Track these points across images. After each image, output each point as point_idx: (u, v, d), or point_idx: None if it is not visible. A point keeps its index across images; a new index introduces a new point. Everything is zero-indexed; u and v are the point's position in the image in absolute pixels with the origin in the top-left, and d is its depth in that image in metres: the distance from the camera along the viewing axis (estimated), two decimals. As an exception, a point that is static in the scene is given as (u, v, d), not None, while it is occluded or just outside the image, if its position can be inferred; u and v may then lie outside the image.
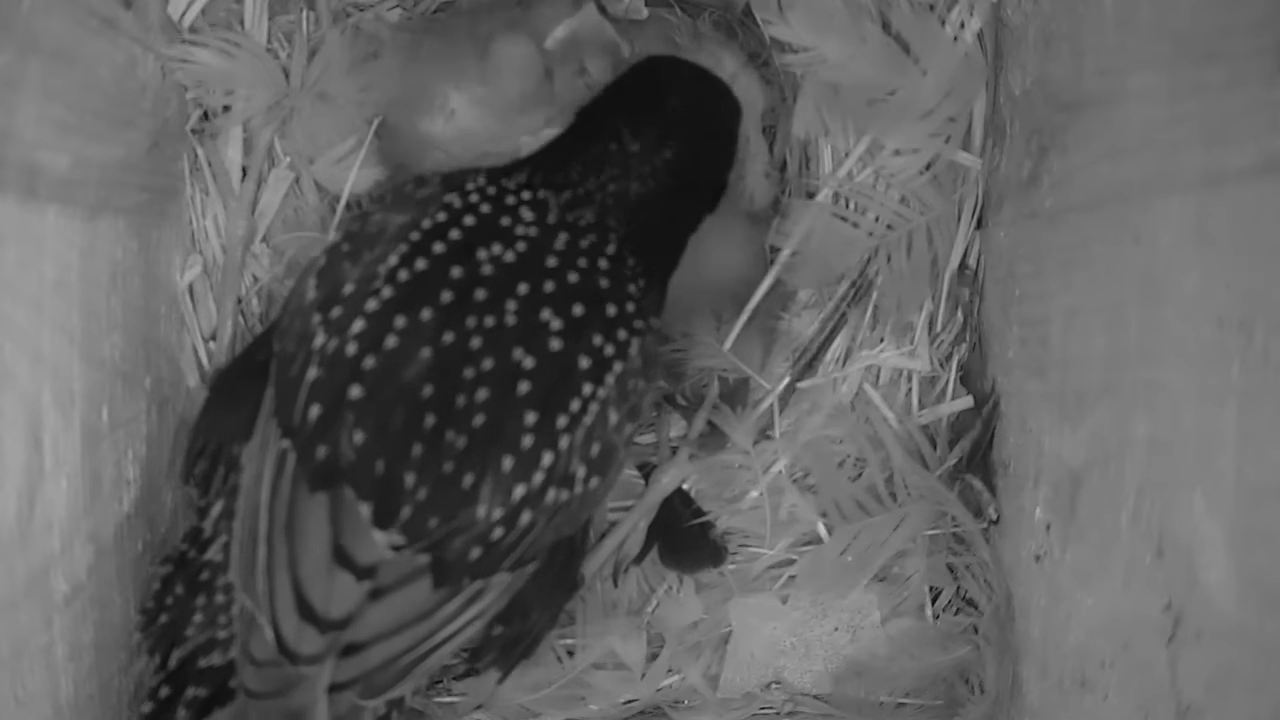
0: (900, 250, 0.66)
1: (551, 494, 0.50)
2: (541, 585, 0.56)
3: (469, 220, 0.52)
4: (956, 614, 0.67)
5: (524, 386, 0.49)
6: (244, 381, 0.56)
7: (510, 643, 0.58)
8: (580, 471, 0.51)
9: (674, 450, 0.68)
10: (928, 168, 0.66)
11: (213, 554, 0.55)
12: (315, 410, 0.49)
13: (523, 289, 0.50)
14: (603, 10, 0.65)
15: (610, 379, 0.51)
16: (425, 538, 0.49)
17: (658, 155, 0.56)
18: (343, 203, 0.67)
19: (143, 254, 0.61)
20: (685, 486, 0.69)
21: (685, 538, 0.68)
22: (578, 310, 0.51)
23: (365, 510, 0.48)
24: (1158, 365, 0.47)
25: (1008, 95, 0.64)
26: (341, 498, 0.48)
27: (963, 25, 0.64)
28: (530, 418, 0.49)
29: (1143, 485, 0.48)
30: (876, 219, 0.66)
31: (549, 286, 0.51)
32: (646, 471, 0.70)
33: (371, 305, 0.49)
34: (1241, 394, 0.41)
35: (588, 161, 0.56)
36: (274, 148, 0.68)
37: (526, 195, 0.54)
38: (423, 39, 0.66)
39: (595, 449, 0.51)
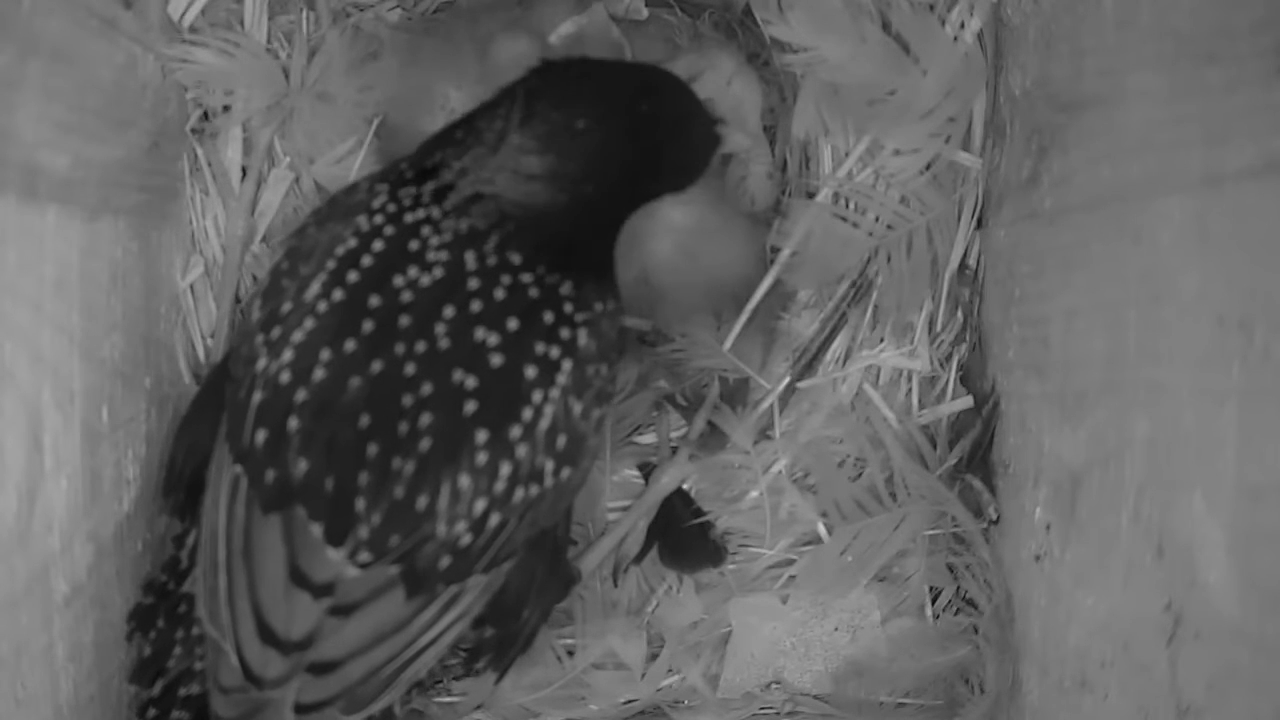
0: (900, 250, 0.66)
1: (520, 493, 0.50)
2: (529, 582, 0.56)
3: (378, 245, 0.50)
4: (956, 614, 0.67)
5: (470, 406, 0.48)
6: (211, 408, 0.55)
7: (503, 643, 0.58)
8: (549, 465, 0.50)
9: (674, 450, 0.68)
10: (928, 168, 0.66)
11: (189, 586, 0.55)
12: (262, 435, 0.49)
13: (448, 311, 0.49)
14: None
15: (561, 378, 0.50)
16: (389, 554, 0.49)
17: (531, 143, 0.51)
18: (343, 203, 0.67)
19: (143, 254, 0.61)
20: (685, 486, 0.69)
21: (685, 538, 0.68)
22: (513, 325, 0.49)
23: (317, 529, 0.48)
24: (1158, 365, 0.47)
25: (1008, 95, 0.64)
26: (294, 518, 0.48)
27: (963, 25, 0.64)
28: (482, 435, 0.48)
29: (1143, 485, 0.48)
30: (876, 219, 0.66)
31: (476, 306, 0.49)
32: (646, 471, 0.70)
33: (298, 336, 0.49)
34: (1241, 394, 0.41)
35: (455, 153, 0.52)
36: (274, 148, 0.68)
37: (421, 214, 0.51)
38: (423, 39, 0.66)
39: (562, 440, 0.50)
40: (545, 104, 0.52)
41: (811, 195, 0.67)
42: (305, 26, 0.67)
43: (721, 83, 0.67)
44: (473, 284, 0.49)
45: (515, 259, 0.50)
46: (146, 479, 0.60)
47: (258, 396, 0.49)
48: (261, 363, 0.49)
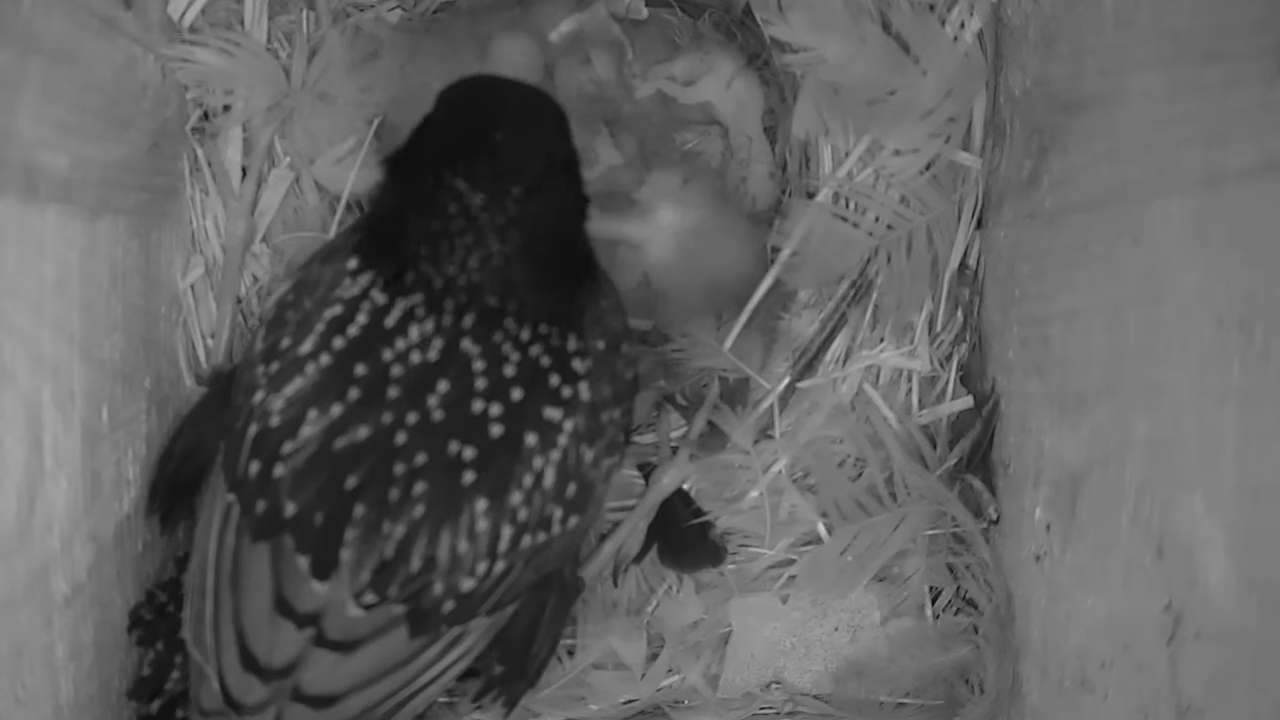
0: (900, 250, 0.66)
1: (527, 540, 0.50)
2: (537, 620, 0.56)
3: (361, 318, 0.49)
4: (956, 614, 0.67)
5: (469, 477, 0.48)
6: (206, 420, 0.56)
7: (512, 678, 0.58)
8: (557, 513, 0.50)
9: (674, 450, 0.68)
10: (928, 168, 0.66)
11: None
12: (255, 466, 0.49)
13: (442, 386, 0.48)
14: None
15: (563, 438, 0.50)
16: (390, 599, 0.49)
17: (507, 205, 0.47)
18: (343, 203, 0.67)
19: (143, 254, 0.61)
20: (685, 486, 0.69)
21: (685, 538, 0.68)
22: (517, 395, 0.49)
23: (303, 562, 0.48)
24: (1158, 365, 0.47)
25: (1008, 95, 0.64)
26: (282, 548, 0.49)
27: (963, 25, 0.64)
28: (481, 504, 0.48)
29: (1143, 485, 0.48)
30: (876, 219, 0.66)
31: (480, 384, 0.48)
32: (646, 471, 0.69)
33: (289, 389, 0.49)
34: (1241, 394, 0.41)
35: (429, 245, 0.48)
36: (274, 148, 0.68)
37: (401, 308, 0.48)
38: (423, 39, 0.66)
39: (571, 489, 0.50)
40: (481, 187, 0.47)
41: (811, 195, 0.67)
42: (305, 26, 0.67)
43: (722, 84, 0.67)
44: (478, 365, 0.48)
45: (524, 332, 0.49)
46: (146, 479, 0.60)
47: (253, 429, 0.49)
48: (259, 395, 0.49)
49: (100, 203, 0.56)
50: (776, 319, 0.69)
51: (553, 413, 0.49)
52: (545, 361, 0.49)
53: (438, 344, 0.48)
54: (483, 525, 0.48)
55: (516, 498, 0.49)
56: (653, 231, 0.64)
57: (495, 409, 0.48)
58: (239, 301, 0.67)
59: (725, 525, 0.69)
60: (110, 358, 0.57)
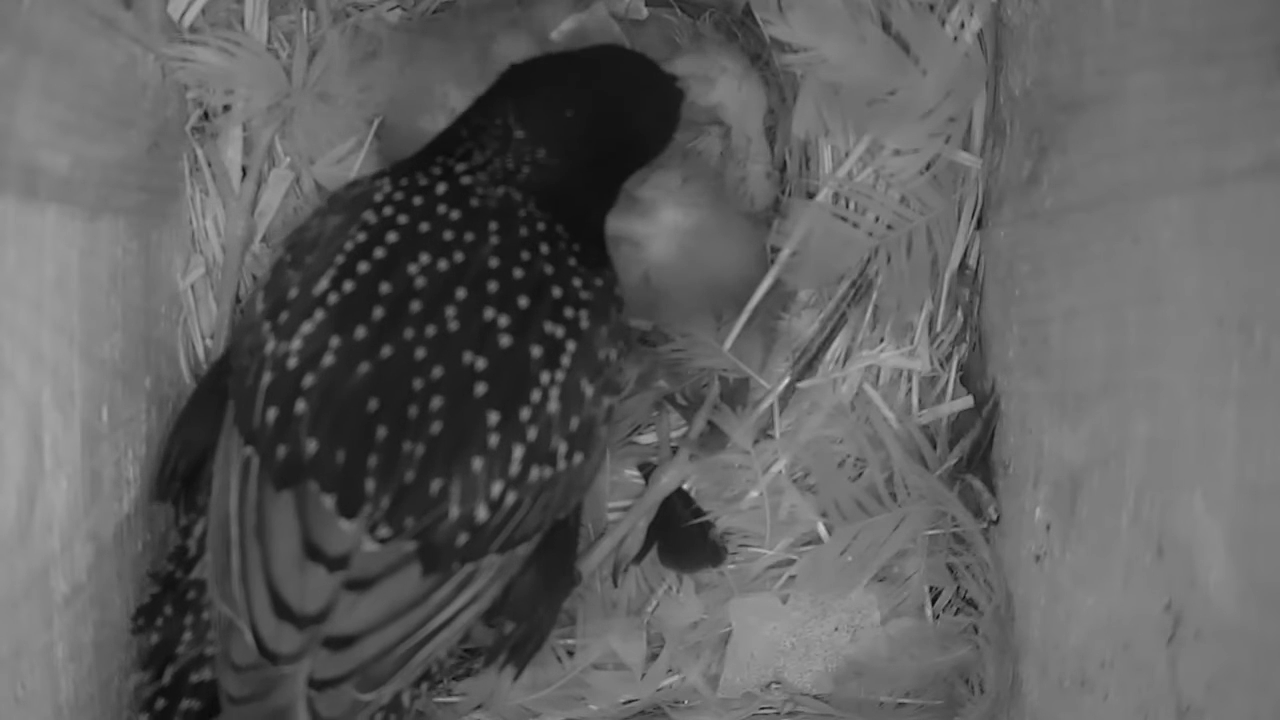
0: (900, 250, 0.66)
1: (535, 472, 0.50)
2: (543, 577, 0.56)
3: (391, 236, 0.51)
4: (956, 614, 0.67)
5: (481, 388, 0.49)
6: (208, 406, 0.56)
7: (521, 640, 0.58)
8: (562, 447, 0.51)
9: (674, 450, 0.68)
10: (928, 168, 0.66)
11: (198, 572, 0.55)
12: (272, 413, 0.49)
13: (460, 293, 0.50)
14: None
15: (566, 359, 0.51)
16: (406, 531, 0.49)
17: (534, 135, 0.55)
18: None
19: (143, 254, 0.61)
20: (685, 486, 0.69)
21: (685, 538, 0.68)
22: (523, 302, 0.50)
23: (330, 501, 0.48)
24: (1158, 365, 0.47)
25: (1008, 95, 0.64)
26: (306, 492, 0.49)
27: (963, 25, 0.64)
28: (493, 417, 0.49)
29: (1143, 485, 0.48)
30: (876, 219, 0.66)
31: (492, 286, 0.50)
32: (646, 471, 0.70)
33: (306, 327, 0.49)
34: (1241, 394, 0.41)
35: (490, 136, 0.56)
36: (274, 148, 0.68)
37: (442, 189, 0.53)
38: (422, 39, 0.66)
39: (574, 423, 0.51)
40: (536, 102, 0.56)
41: (811, 195, 0.67)
42: (305, 26, 0.67)
43: (735, 85, 0.67)
44: (492, 263, 0.51)
45: (541, 225, 0.53)
46: (146, 479, 0.60)
47: (267, 378, 0.49)
48: (270, 345, 0.50)
49: (100, 203, 0.56)
50: (776, 319, 0.69)
51: (554, 328, 0.51)
52: (549, 270, 0.52)
53: (469, 237, 0.51)
54: (494, 440, 0.49)
55: (525, 414, 0.50)
56: (654, 231, 0.64)
57: (504, 320, 0.50)
58: (239, 301, 0.67)
59: (725, 525, 0.69)
60: (110, 358, 0.57)
